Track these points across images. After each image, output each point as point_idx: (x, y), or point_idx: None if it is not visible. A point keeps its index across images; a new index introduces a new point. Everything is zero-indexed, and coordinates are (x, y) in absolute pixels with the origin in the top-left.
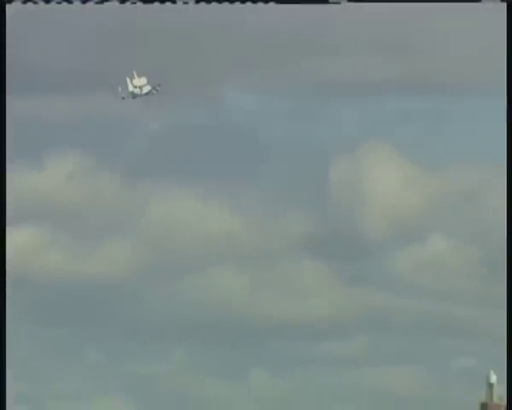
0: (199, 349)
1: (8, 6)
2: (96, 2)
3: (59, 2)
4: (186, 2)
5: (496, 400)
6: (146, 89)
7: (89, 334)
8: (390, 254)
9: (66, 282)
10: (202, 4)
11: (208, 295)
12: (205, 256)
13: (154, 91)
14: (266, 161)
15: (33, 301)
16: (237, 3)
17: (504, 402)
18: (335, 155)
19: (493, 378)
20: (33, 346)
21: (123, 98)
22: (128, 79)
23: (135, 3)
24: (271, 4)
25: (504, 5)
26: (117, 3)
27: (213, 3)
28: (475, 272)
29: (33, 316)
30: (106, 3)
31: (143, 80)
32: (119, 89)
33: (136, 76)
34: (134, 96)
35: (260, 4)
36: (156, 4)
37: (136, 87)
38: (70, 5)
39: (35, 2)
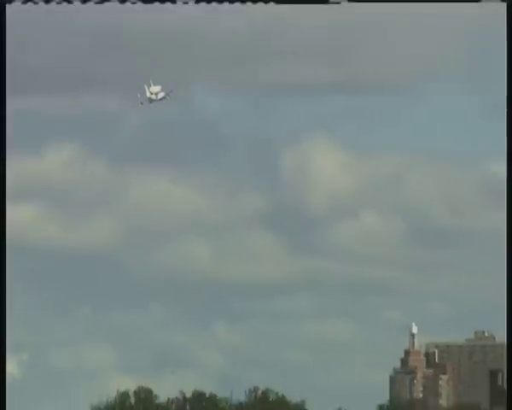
0: (171, 305)
1: (8, 6)
2: (96, 3)
3: (59, 3)
4: (186, 2)
5: (416, 347)
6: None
7: (79, 293)
8: (330, 227)
9: (61, 250)
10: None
11: (179, 260)
12: (176, 229)
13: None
14: (227, 151)
15: (32, 265)
16: (238, 4)
17: (423, 349)
18: (285, 146)
19: (414, 329)
20: (32, 302)
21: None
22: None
23: (135, 3)
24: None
25: (504, 5)
26: (117, 3)
27: (213, 3)
28: (400, 240)
29: (33, 278)
30: (106, 3)
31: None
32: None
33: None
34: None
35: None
36: (156, 4)
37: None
38: (70, 5)
39: (35, 3)
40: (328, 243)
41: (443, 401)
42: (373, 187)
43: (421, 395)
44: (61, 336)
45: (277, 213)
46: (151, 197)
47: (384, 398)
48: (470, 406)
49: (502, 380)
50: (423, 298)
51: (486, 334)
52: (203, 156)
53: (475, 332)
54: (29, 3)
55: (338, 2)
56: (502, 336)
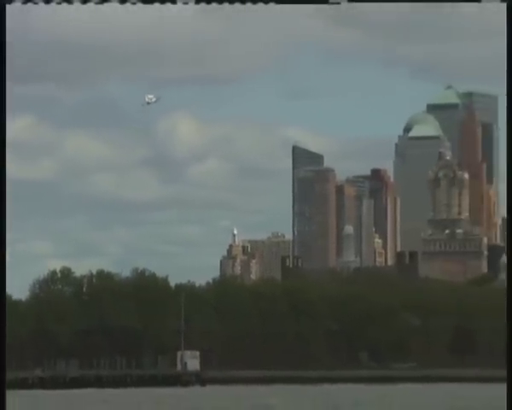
0: (89, 215)
1: (8, 6)
2: (96, 3)
3: (59, 3)
4: (186, 3)
5: (236, 243)
6: (154, 99)
7: (31, 208)
8: (188, 167)
9: (25, 181)
10: (156, 6)
11: (94, 188)
12: (93, 168)
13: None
14: (128, 122)
15: None
16: (237, 4)
17: (241, 244)
18: (161, 118)
19: (235, 231)
20: None
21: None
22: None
23: (135, 3)
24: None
25: (504, 5)
26: (117, 3)
27: (213, 4)
28: (232, 176)
29: None
30: (106, 4)
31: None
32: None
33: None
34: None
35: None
36: (156, 5)
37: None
38: (70, 5)
39: (35, 3)
40: (187, 177)
41: (253, 276)
42: (214, 142)
43: (239, 273)
44: (13, 236)
45: (155, 158)
46: (80, 149)
47: (216, 274)
48: (269, 278)
49: (288, 262)
50: (244, 213)
51: (279, 234)
52: (118, 125)
53: (272, 233)
54: (29, 3)
55: (338, 3)
56: (289, 236)
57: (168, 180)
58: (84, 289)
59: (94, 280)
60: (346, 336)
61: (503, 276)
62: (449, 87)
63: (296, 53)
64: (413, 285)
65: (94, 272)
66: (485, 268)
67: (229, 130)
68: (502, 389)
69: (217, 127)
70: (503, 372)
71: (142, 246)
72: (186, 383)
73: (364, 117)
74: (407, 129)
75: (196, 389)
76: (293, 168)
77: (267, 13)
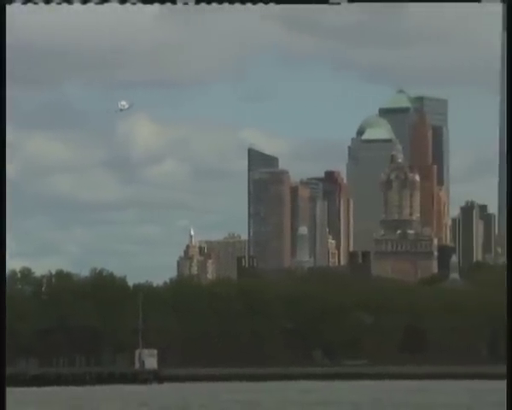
0: (47, 215)
1: (8, 6)
2: (96, 3)
3: (59, 3)
4: (186, 3)
5: (193, 243)
6: (127, 106)
7: None
8: (145, 168)
9: None
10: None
11: (53, 188)
12: (53, 168)
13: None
14: (88, 125)
15: None
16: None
17: (198, 245)
18: (121, 120)
19: (192, 232)
20: None
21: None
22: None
23: (135, 4)
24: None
25: (504, 5)
26: (117, 4)
27: (214, 4)
28: (187, 177)
29: None
30: (106, 4)
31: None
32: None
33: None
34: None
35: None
36: (156, 5)
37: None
38: (70, 5)
39: (35, 3)
40: (145, 178)
41: (209, 276)
42: (172, 144)
43: (196, 273)
44: None
45: (114, 160)
46: (40, 150)
47: (173, 274)
48: (225, 278)
49: (244, 262)
50: (201, 213)
51: (235, 234)
52: (68, 126)
53: (228, 233)
54: (29, 4)
55: (338, 3)
56: (245, 235)
57: (126, 181)
58: (44, 288)
59: (53, 280)
60: (300, 334)
61: (453, 276)
62: (400, 91)
63: (253, 56)
64: (365, 285)
65: (53, 271)
66: (435, 268)
67: (187, 132)
68: (451, 385)
69: (175, 129)
70: (453, 369)
71: (101, 246)
72: (144, 381)
73: (318, 120)
74: (360, 132)
75: (153, 387)
76: (249, 170)
77: (226, 16)
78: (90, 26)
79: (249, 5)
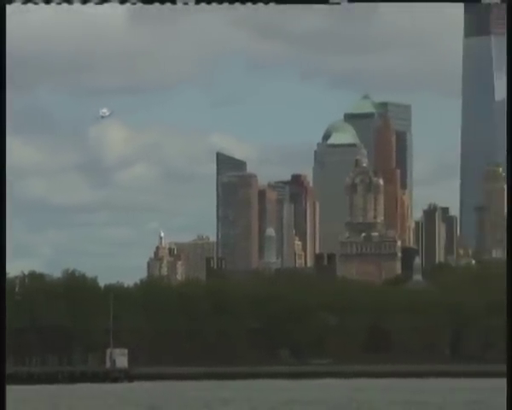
0: (21, 219)
1: (8, 6)
2: (96, 3)
3: (59, 3)
4: (186, 3)
5: (163, 245)
6: (108, 113)
7: None
8: (117, 171)
9: None
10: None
11: (31, 191)
12: (27, 172)
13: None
14: (59, 129)
15: None
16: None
17: (167, 246)
18: (93, 126)
19: (162, 234)
20: None
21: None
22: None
23: (135, 4)
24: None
25: (504, 5)
26: (117, 4)
27: (214, 4)
28: (158, 180)
29: None
30: (106, 4)
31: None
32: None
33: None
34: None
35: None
36: (156, 5)
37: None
38: (70, 5)
39: (35, 3)
40: (116, 181)
41: (179, 277)
42: (142, 149)
43: (166, 274)
44: None
45: (86, 164)
46: (12, 154)
47: (144, 275)
48: (194, 279)
49: (213, 264)
50: (171, 215)
51: (204, 236)
52: (40, 131)
53: (197, 235)
54: (29, 3)
55: (338, 3)
56: (213, 237)
57: (98, 184)
58: (17, 289)
59: (26, 281)
60: (267, 333)
61: (416, 277)
62: (365, 97)
63: (222, 62)
64: (331, 286)
65: (26, 272)
66: (399, 269)
67: (157, 136)
68: (413, 382)
69: (145, 134)
70: (416, 367)
71: (74, 247)
72: (115, 380)
73: (285, 125)
74: (326, 137)
75: (124, 385)
76: (218, 174)
77: (196, 20)
78: (60, 30)
79: (237, 4)
